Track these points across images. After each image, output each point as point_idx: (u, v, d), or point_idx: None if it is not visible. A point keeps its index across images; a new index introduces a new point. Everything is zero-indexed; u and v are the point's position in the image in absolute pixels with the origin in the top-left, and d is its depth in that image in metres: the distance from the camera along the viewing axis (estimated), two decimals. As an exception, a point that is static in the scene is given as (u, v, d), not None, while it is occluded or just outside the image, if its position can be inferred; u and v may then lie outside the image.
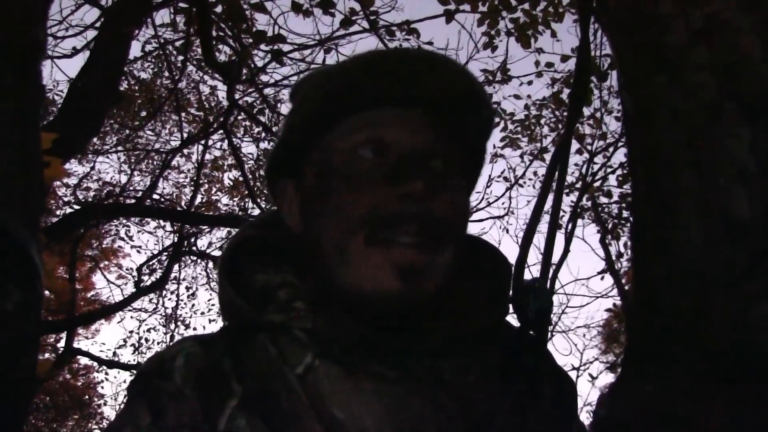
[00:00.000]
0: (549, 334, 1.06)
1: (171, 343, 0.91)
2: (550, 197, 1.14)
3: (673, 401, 0.58)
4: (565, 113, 7.92)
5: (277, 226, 0.97)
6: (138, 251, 13.51)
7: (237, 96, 5.93)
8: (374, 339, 0.84)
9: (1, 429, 0.67)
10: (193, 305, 11.81)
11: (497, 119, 7.64)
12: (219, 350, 0.86)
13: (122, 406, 0.85)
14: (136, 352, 10.48)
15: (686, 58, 0.79)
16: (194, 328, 10.65)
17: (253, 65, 5.35)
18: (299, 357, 0.82)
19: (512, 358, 0.90)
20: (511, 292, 0.98)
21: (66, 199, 9.16)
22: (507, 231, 9.93)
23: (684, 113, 0.76)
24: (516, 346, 0.94)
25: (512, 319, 1.01)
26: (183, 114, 8.31)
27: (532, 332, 0.97)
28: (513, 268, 1.01)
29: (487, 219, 7.89)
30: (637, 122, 0.87)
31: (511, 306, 0.98)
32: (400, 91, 0.90)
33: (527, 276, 1.07)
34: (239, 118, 8.74)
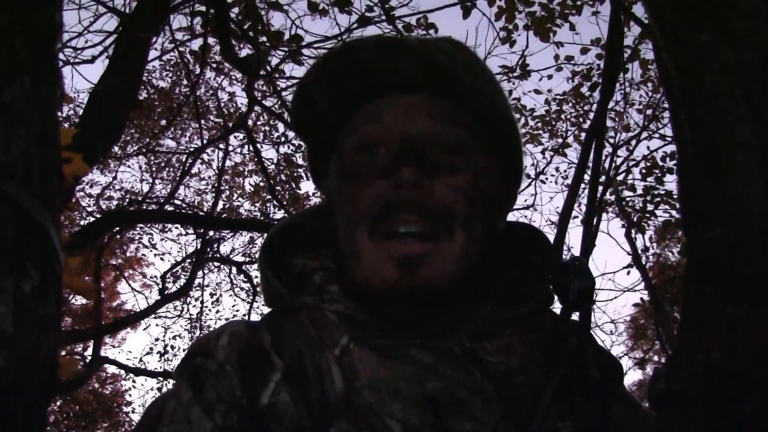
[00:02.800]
0: (592, 315, 1.03)
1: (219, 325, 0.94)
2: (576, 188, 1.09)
3: (745, 365, 0.54)
4: (585, 107, 7.84)
5: (324, 216, 0.99)
6: (161, 259, 13.68)
7: (256, 97, 5.94)
8: (407, 324, 0.84)
9: (24, 416, 0.64)
10: (218, 311, 11.82)
11: (517, 115, 7.59)
12: (262, 329, 0.88)
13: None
14: (162, 359, 10.54)
15: (736, 9, 0.74)
16: (219, 334, 10.67)
17: (270, 68, 5.36)
18: (335, 339, 0.84)
19: (556, 342, 0.89)
20: (550, 274, 0.96)
21: (90, 210, 9.26)
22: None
23: (736, 66, 0.71)
24: (559, 329, 0.93)
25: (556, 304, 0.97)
26: (202, 121, 8.35)
27: (575, 313, 0.95)
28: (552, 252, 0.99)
29: (511, 210, 7.80)
30: (682, 83, 0.82)
31: (551, 287, 0.96)
32: (377, 81, 0.90)
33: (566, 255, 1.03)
34: (258, 123, 8.77)
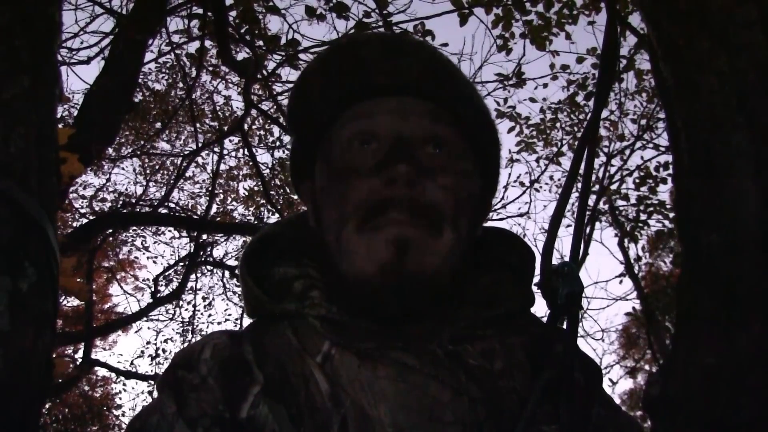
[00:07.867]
0: (580, 319, 1.03)
1: (203, 335, 0.93)
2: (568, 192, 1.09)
3: (739, 371, 0.54)
4: (580, 116, 7.86)
5: (302, 225, 1.00)
6: (154, 262, 13.61)
7: (253, 101, 5.94)
8: (390, 326, 0.85)
9: (20, 416, 0.64)
10: (210, 315, 11.77)
11: (512, 123, 7.60)
12: (244, 341, 0.88)
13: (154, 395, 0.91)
14: (154, 363, 10.49)
15: (732, 19, 0.75)
16: (211, 338, 10.59)
17: (266, 72, 5.36)
18: (317, 345, 0.84)
19: (542, 346, 0.89)
20: (538, 278, 0.96)
21: (83, 211, 9.22)
22: (524, 235, 9.84)
23: (732, 75, 0.72)
24: (546, 333, 0.94)
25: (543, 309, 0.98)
26: (197, 124, 8.33)
27: (563, 317, 0.95)
28: (540, 255, 1.00)
29: (505, 218, 7.78)
30: (678, 92, 0.83)
31: (540, 292, 0.96)
32: (373, 81, 0.91)
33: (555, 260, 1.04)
34: (254, 127, 8.77)
